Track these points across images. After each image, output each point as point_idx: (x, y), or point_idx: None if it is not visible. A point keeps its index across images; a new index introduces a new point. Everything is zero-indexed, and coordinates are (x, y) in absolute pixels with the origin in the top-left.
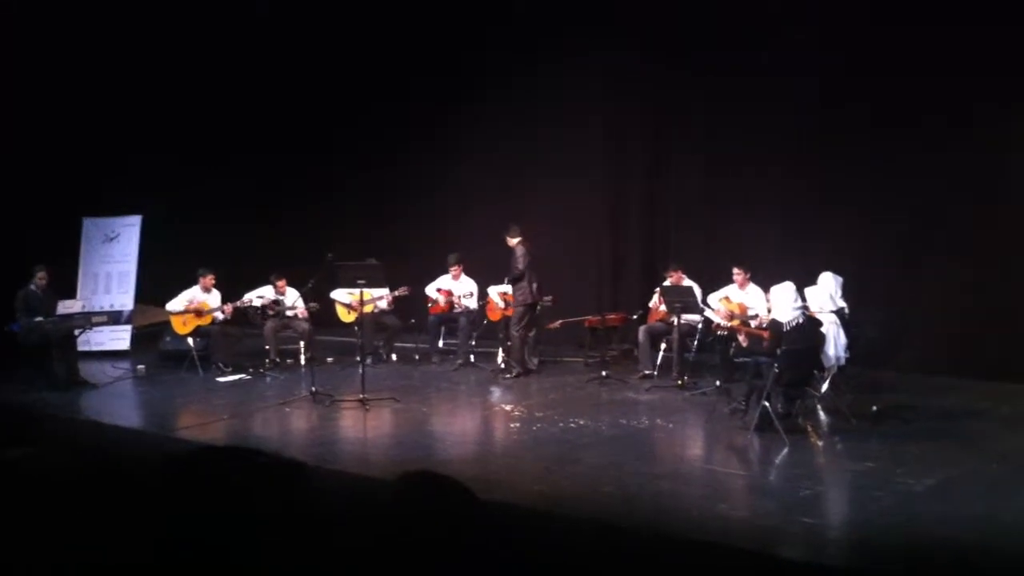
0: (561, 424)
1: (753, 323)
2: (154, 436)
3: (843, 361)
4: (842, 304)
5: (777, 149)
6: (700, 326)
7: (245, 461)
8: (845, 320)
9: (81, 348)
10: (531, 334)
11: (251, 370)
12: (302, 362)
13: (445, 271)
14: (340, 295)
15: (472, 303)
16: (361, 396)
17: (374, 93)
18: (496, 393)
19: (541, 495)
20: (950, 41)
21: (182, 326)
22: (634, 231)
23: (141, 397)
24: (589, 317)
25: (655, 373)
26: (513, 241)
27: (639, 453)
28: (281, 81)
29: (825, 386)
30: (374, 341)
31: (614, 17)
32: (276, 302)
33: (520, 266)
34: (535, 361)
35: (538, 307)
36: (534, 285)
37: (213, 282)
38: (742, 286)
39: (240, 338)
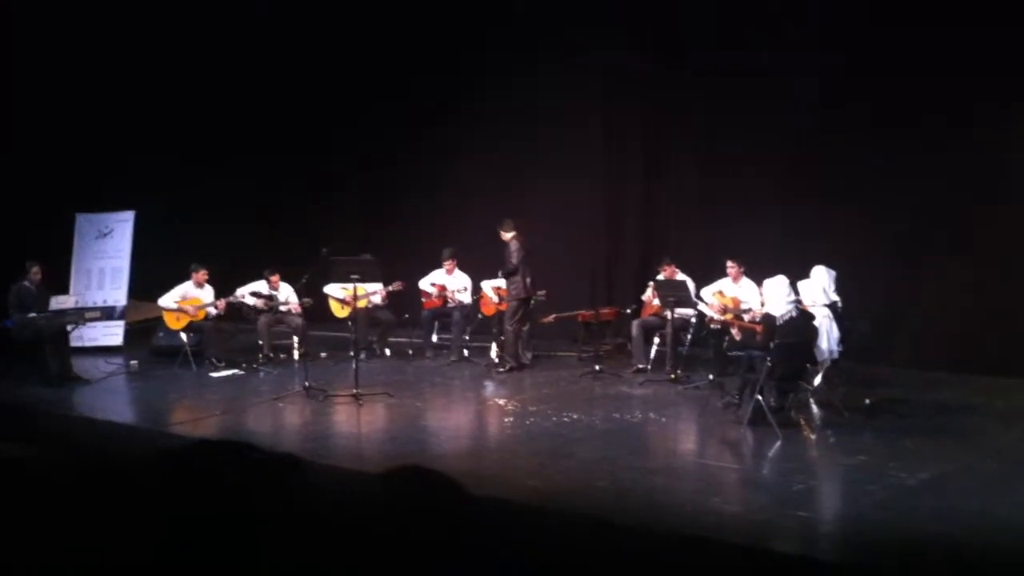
0: (555, 418)
1: (746, 317)
2: (148, 432)
3: (836, 355)
4: (835, 298)
5: (777, 149)
6: (694, 320)
7: (240, 456)
8: (838, 314)
9: (74, 344)
10: (525, 328)
11: (244, 365)
12: (295, 357)
13: (439, 266)
14: (334, 290)
15: (466, 298)
16: (355, 391)
17: (374, 93)
18: (490, 388)
19: (535, 490)
20: (950, 41)
21: (175, 321)
22: (633, 231)
23: (134, 393)
24: (583, 311)
25: (648, 367)
26: (507, 235)
27: (632, 447)
28: (281, 81)
29: (818, 380)
30: (368, 336)
31: (614, 17)
32: (270, 297)
33: (514, 260)
34: (529, 356)
35: (532, 301)
36: (528, 279)
37: (206, 278)
38: (736, 279)
39: (233, 333)
